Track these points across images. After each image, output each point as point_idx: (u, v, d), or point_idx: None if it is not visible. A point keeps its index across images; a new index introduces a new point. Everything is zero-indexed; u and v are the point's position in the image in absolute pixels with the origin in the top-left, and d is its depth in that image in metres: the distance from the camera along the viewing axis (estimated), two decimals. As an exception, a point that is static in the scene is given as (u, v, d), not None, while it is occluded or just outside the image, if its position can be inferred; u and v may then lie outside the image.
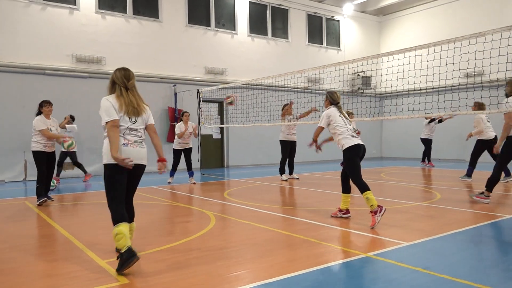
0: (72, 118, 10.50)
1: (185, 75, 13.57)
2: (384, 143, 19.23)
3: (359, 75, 17.37)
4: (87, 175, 10.68)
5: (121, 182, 3.67)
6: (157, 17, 13.15)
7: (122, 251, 3.37)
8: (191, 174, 10.10)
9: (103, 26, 12.15)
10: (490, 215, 5.58)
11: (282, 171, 10.41)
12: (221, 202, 7.13)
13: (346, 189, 5.45)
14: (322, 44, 17.12)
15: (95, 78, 11.93)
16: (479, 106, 8.67)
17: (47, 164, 7.01)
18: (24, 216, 6.09)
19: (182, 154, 9.97)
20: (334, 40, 17.62)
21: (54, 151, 7.17)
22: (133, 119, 3.81)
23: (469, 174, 9.47)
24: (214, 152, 14.73)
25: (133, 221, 3.88)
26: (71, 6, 11.61)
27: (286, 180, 10.25)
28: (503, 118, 6.37)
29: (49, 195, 7.31)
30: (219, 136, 14.71)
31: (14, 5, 10.84)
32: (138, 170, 3.80)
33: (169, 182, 9.93)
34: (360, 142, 5.27)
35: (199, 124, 12.61)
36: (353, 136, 5.27)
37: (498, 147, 6.58)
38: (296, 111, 10.80)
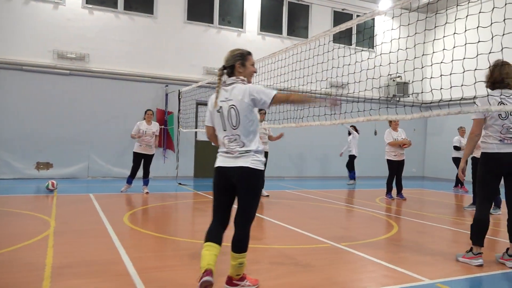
0: None
1: (180, 75, 12.53)
2: (427, 161, 16.47)
3: (394, 80, 14.99)
4: None
5: None
6: (152, 13, 12.31)
7: None
8: (145, 182, 8.98)
9: (90, 22, 11.57)
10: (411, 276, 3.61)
11: (246, 187, 8.83)
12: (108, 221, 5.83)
13: None
14: (351, 45, 15.07)
15: (77, 76, 11.40)
16: None
17: None
18: None
19: (143, 159, 8.90)
20: (367, 41, 15.44)
21: None
22: None
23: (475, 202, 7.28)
24: (212, 160, 13.44)
25: None
26: (56, 0, 11.19)
27: (249, 197, 8.66)
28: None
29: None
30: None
31: (-4, -1, 10.68)
32: None
33: (122, 191, 8.90)
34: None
35: (178, 127, 11.51)
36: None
37: (462, 169, 4.42)
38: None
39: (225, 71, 3.22)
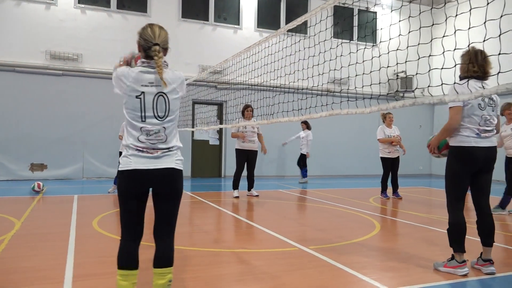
0: None
1: (175, 74, 12.36)
2: (434, 158, 15.93)
3: (398, 76, 14.54)
4: None
5: None
6: (145, 11, 12.17)
7: None
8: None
9: (82, 22, 11.50)
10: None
11: (235, 186, 8.58)
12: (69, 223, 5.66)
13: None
14: (352, 39, 14.66)
15: (70, 76, 11.33)
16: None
17: None
18: None
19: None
20: (369, 35, 15.01)
21: None
22: None
23: (503, 205, 6.90)
24: (210, 160, 13.29)
25: None
26: (48, 1, 11.14)
27: (237, 196, 8.42)
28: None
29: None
30: (216, 142, 13.25)
31: (-12, 1, 10.68)
32: None
33: (109, 192, 8.78)
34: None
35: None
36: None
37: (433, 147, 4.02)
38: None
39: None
